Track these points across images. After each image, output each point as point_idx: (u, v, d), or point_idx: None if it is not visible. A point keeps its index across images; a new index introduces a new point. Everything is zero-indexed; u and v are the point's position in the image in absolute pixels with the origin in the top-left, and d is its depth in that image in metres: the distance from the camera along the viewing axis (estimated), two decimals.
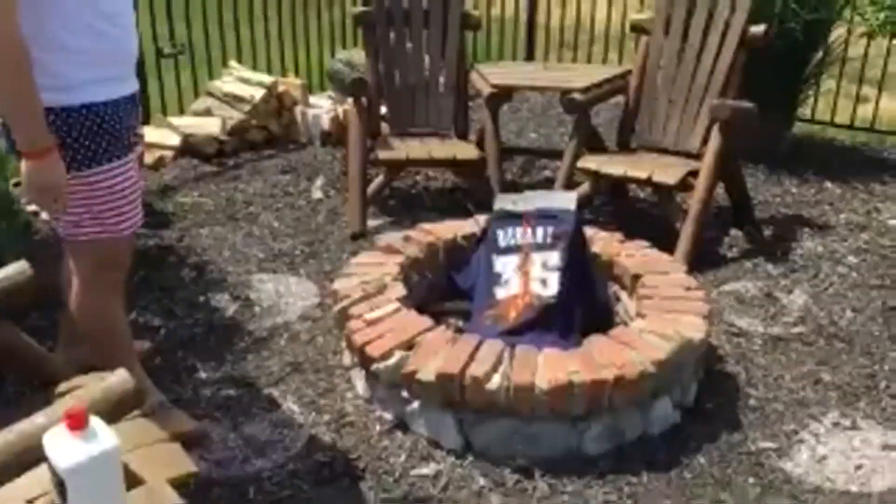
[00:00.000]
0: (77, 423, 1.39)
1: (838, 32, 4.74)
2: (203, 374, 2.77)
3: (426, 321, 2.61)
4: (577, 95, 3.91)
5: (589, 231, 3.09)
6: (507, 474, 2.34)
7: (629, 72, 4.14)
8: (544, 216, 2.88)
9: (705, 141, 3.71)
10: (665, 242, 3.32)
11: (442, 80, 4.31)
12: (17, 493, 1.52)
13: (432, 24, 4.28)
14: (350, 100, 4.05)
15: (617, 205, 4.12)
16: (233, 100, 4.84)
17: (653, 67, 3.99)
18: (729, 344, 2.99)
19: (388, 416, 2.56)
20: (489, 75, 4.24)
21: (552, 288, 2.73)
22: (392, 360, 2.46)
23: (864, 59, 4.88)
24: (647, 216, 4.04)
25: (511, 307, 2.73)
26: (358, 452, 2.43)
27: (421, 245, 3.07)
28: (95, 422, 1.43)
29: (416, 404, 2.48)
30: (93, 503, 1.44)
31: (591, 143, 4.05)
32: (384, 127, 4.36)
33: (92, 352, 2.31)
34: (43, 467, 1.49)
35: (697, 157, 3.73)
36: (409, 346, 2.49)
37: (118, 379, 1.74)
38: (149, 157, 4.18)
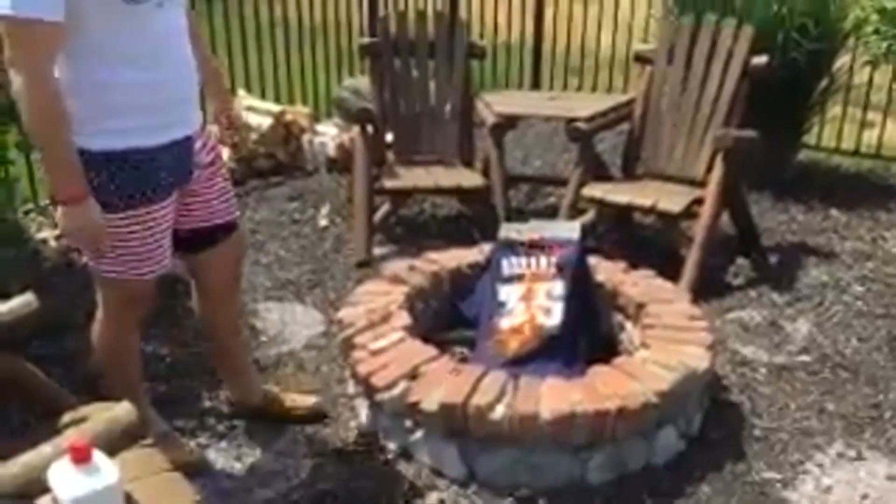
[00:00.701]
0: (81, 456, 1.41)
1: (843, 60, 4.77)
2: (208, 403, 2.78)
3: (430, 350, 2.62)
4: (581, 124, 3.94)
5: (593, 260, 3.10)
6: None
7: (633, 100, 4.18)
8: (548, 245, 2.89)
9: (709, 168, 3.72)
10: (670, 270, 3.33)
11: (447, 108, 4.35)
12: None
13: (438, 53, 4.33)
14: (356, 128, 4.09)
15: (622, 232, 4.13)
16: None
17: (657, 96, 4.02)
18: (733, 373, 2.99)
19: (391, 445, 2.57)
20: (493, 104, 4.28)
21: (556, 317, 2.73)
22: (396, 390, 2.47)
23: (869, 85, 4.91)
24: (652, 243, 4.05)
25: (515, 336, 2.74)
26: (361, 482, 2.43)
27: (426, 274, 3.09)
28: (98, 456, 1.44)
29: (419, 434, 2.48)
30: None
31: (596, 170, 4.07)
32: (390, 155, 4.39)
33: (104, 378, 2.38)
34: (47, 498, 1.51)
35: (702, 184, 3.74)
36: (413, 375, 2.50)
37: (123, 410, 1.75)
38: None
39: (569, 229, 2.98)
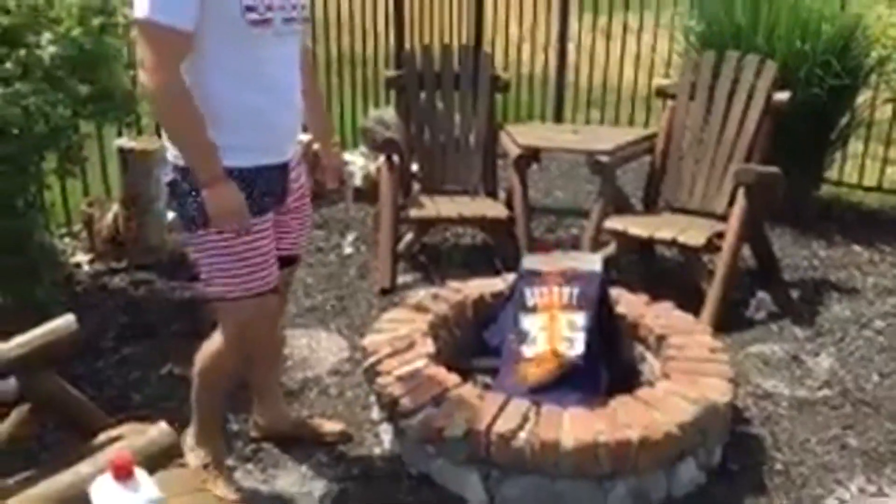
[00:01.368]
0: (124, 472, 1.46)
1: (865, 97, 4.80)
2: (235, 426, 2.83)
3: (454, 378, 2.67)
4: (603, 157, 4.00)
5: (615, 292, 3.14)
6: None
7: (655, 134, 4.23)
8: (571, 276, 2.93)
9: (731, 203, 3.76)
10: (692, 303, 3.36)
11: (472, 139, 4.42)
12: None
13: (463, 86, 4.41)
14: (382, 158, 4.17)
15: (644, 265, 4.17)
16: None
17: (678, 130, 4.08)
18: (755, 406, 3.01)
19: (414, 470, 2.60)
20: (517, 136, 4.35)
21: (578, 348, 2.77)
22: (419, 417, 2.51)
23: (893, 121, 4.93)
24: (673, 276, 4.08)
25: (537, 366, 2.77)
26: None
27: (449, 303, 3.14)
28: (139, 472, 1.50)
29: (442, 460, 2.52)
30: None
31: (618, 203, 4.12)
32: (415, 185, 4.46)
33: (192, 395, 2.47)
34: None
35: (723, 218, 3.78)
36: (436, 402, 2.54)
37: (159, 431, 1.81)
38: None
39: (591, 261, 3.03)
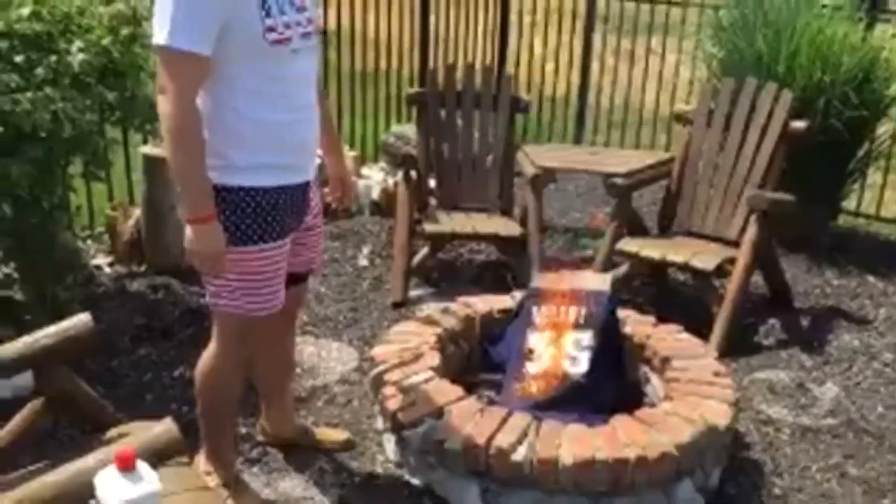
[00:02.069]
0: (126, 463, 1.53)
1: (885, 128, 4.81)
2: (243, 429, 2.89)
3: (457, 391, 2.71)
4: (619, 180, 4.04)
5: (622, 312, 3.17)
6: None
7: (672, 159, 4.26)
8: (579, 296, 2.97)
9: (744, 229, 3.78)
10: (702, 326, 3.38)
11: (489, 158, 4.48)
12: None
13: (483, 105, 4.47)
14: (400, 173, 4.24)
15: (656, 287, 4.19)
16: None
17: (695, 156, 4.11)
18: (757, 431, 3.02)
19: (416, 481, 2.65)
20: (535, 157, 4.40)
21: (582, 366, 2.81)
22: (422, 428, 2.56)
23: None
24: (685, 299, 4.10)
25: (541, 382, 2.81)
26: None
27: (458, 317, 3.19)
28: (142, 465, 1.56)
29: (442, 471, 2.56)
30: None
31: (632, 225, 4.16)
32: (431, 200, 4.52)
33: (198, 408, 2.48)
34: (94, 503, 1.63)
35: (736, 244, 3.80)
36: (439, 414, 2.59)
37: (163, 428, 1.87)
38: None
39: (600, 281, 3.07)
